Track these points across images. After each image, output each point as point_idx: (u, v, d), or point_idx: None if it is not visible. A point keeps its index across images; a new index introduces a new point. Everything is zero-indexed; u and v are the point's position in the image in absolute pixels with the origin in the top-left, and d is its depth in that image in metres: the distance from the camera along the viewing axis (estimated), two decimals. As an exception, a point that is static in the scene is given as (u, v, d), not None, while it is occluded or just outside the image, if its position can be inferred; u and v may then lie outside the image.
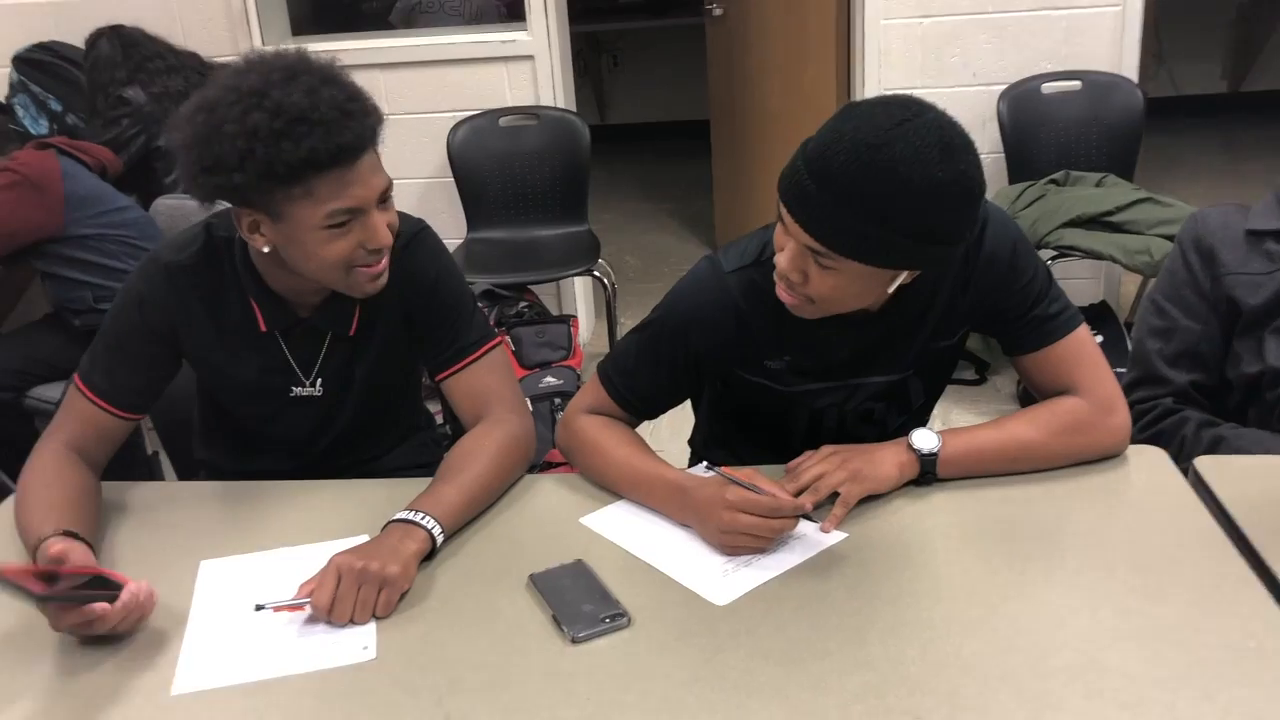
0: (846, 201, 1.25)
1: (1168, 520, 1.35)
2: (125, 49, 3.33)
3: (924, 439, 1.45)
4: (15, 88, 3.59)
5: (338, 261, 1.40)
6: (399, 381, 1.70)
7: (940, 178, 1.24)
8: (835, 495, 1.39)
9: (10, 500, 1.54)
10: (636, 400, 1.58)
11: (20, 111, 3.57)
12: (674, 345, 1.54)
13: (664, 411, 1.64)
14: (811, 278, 1.34)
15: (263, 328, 1.55)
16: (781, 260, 1.36)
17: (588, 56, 6.44)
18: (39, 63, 3.59)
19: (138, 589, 1.25)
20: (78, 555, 1.29)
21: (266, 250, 1.42)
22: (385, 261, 1.45)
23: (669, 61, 6.42)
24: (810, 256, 1.32)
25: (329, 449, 1.67)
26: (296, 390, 1.61)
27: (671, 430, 1.59)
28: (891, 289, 1.37)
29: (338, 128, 1.32)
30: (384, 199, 1.42)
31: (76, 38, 3.55)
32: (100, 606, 1.21)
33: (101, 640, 1.26)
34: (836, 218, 1.27)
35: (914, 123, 1.24)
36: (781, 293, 1.40)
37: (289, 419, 1.63)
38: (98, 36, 3.38)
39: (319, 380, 1.60)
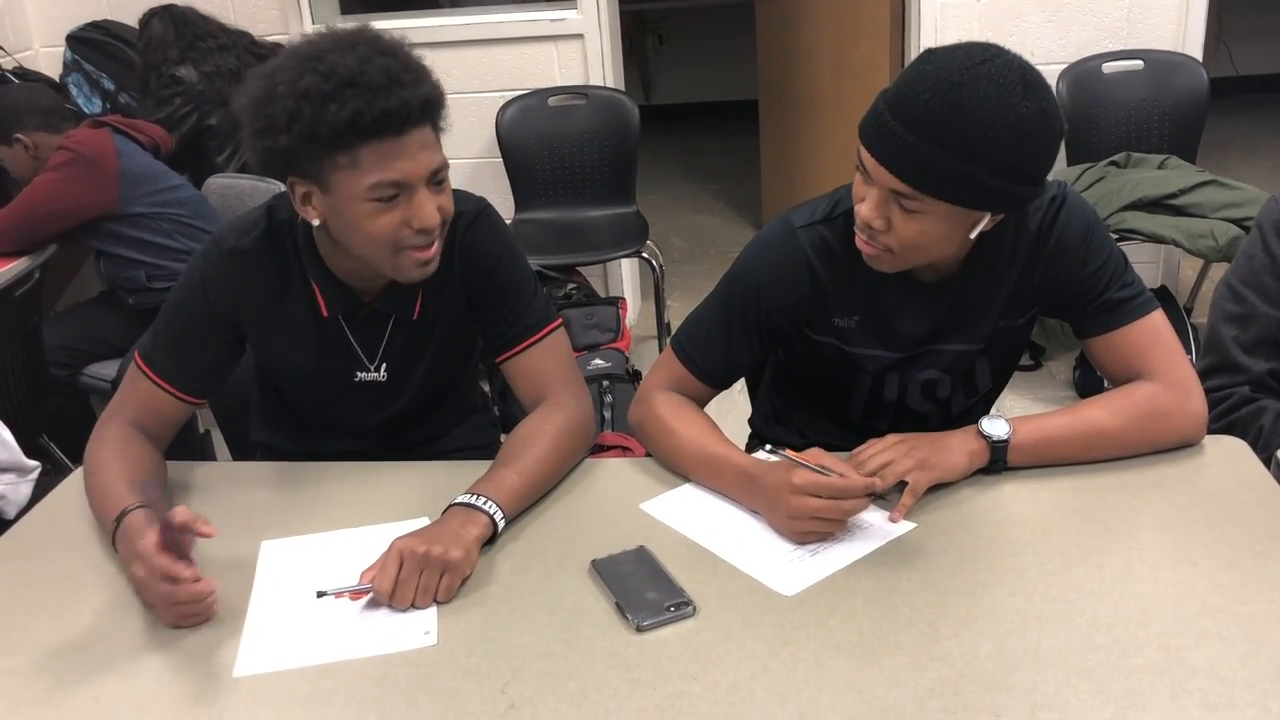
0: (932, 138, 1.25)
1: (1251, 513, 1.31)
2: (178, 28, 3.34)
3: (994, 425, 1.41)
4: (69, 66, 3.62)
5: (382, 239, 1.38)
6: (461, 361, 1.69)
7: (1024, 112, 1.24)
8: (902, 485, 1.36)
9: (73, 477, 1.54)
10: (710, 368, 1.57)
11: (74, 90, 3.59)
12: (746, 305, 1.53)
13: (737, 379, 1.63)
14: (895, 224, 1.33)
15: (325, 313, 1.53)
16: (864, 209, 1.35)
17: (633, 35, 6.39)
18: (93, 42, 3.61)
19: (210, 585, 1.25)
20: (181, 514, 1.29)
21: (317, 222, 1.41)
22: (436, 247, 1.42)
23: (715, 41, 6.37)
24: (894, 201, 1.31)
25: (389, 431, 1.66)
26: (360, 375, 1.59)
27: (719, 415, 1.57)
28: (974, 234, 1.36)
29: (384, 93, 1.30)
30: (436, 180, 1.39)
31: (130, 17, 3.58)
32: (186, 571, 1.22)
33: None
34: (923, 156, 1.26)
35: (994, 62, 1.25)
36: (861, 244, 1.39)
37: (351, 404, 1.62)
38: (151, 16, 3.40)
39: (383, 365, 1.59)
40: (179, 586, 1.22)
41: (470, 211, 1.54)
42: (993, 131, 1.24)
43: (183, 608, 1.24)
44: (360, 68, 1.30)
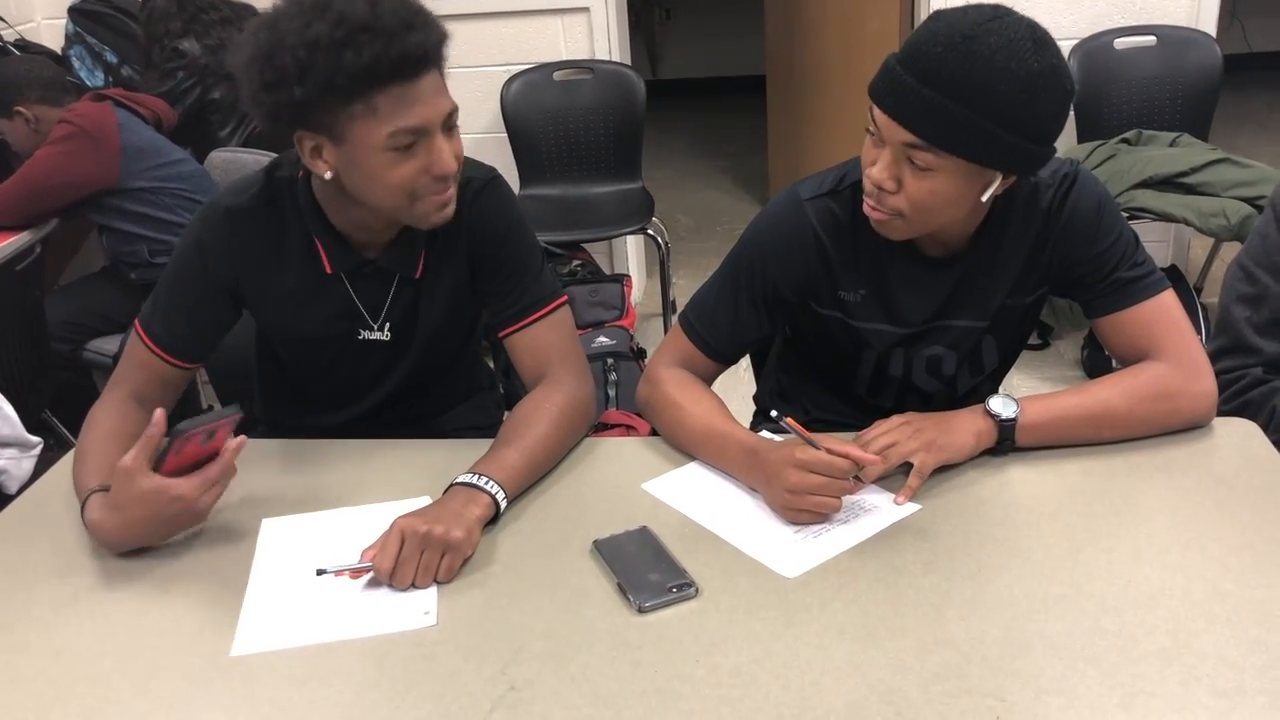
0: (945, 90, 1.25)
1: (1261, 497, 1.29)
2: (180, 1, 3.31)
3: (1002, 404, 1.40)
4: (71, 39, 3.59)
5: (401, 187, 1.35)
6: (463, 330, 1.67)
7: (1035, 67, 1.24)
8: (908, 466, 1.35)
9: (74, 452, 1.54)
10: (717, 342, 1.56)
11: (76, 63, 3.57)
12: (753, 277, 1.52)
13: (743, 354, 1.63)
14: (906, 184, 1.32)
15: (328, 269, 1.51)
16: (875, 170, 1.33)
17: (639, 10, 6.33)
18: (95, 14, 3.58)
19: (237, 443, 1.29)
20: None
21: (329, 176, 1.38)
22: (452, 191, 1.40)
23: (722, 15, 6.32)
24: (905, 160, 1.31)
25: (389, 402, 1.65)
26: (364, 334, 1.57)
27: (722, 393, 1.56)
28: (985, 197, 1.34)
29: (400, 37, 1.28)
30: (449, 124, 1.37)
31: (131, -11, 3.54)
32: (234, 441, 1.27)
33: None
34: (936, 108, 1.25)
35: (1004, 19, 1.26)
36: (869, 209, 1.38)
37: (354, 364, 1.60)
38: (153, -12, 3.36)
39: (386, 325, 1.57)
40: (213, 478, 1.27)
41: (480, 179, 1.52)
42: (1005, 84, 1.23)
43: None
44: (372, 11, 1.27)
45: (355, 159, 1.34)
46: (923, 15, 3.43)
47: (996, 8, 1.28)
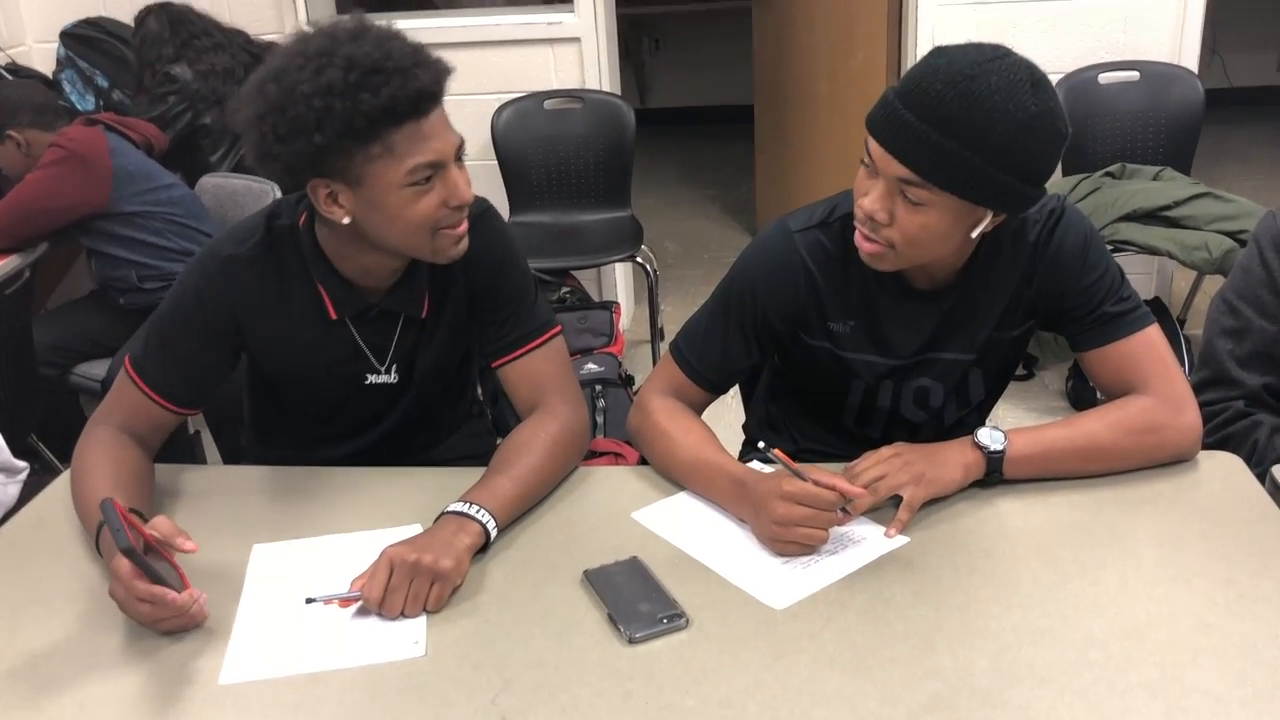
0: (942, 128, 1.26)
1: (1246, 530, 1.31)
2: (173, 26, 3.32)
3: (990, 437, 1.41)
4: (63, 63, 3.60)
5: (423, 223, 1.36)
6: (462, 362, 1.67)
7: (1032, 110, 1.26)
8: (897, 498, 1.36)
9: (62, 478, 1.53)
10: (707, 371, 1.57)
11: (67, 87, 3.58)
12: (743, 308, 1.53)
13: (733, 384, 1.64)
14: (898, 217, 1.33)
15: (333, 315, 1.51)
16: (867, 201, 1.35)
17: (629, 39, 6.38)
18: (87, 38, 3.59)
19: (197, 596, 1.22)
20: (162, 525, 1.26)
21: (347, 221, 1.38)
22: (466, 223, 1.42)
23: (711, 45, 6.36)
24: (899, 194, 1.32)
25: (384, 437, 1.65)
26: (371, 378, 1.57)
27: (711, 421, 1.57)
28: (975, 234, 1.36)
29: (413, 75, 1.30)
30: (458, 155, 1.39)
31: (124, 14, 3.56)
32: (169, 592, 1.19)
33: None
34: (932, 144, 1.27)
35: (1005, 60, 1.27)
36: (861, 240, 1.39)
37: (359, 406, 1.60)
38: (146, 13, 3.38)
39: (393, 367, 1.57)
40: (158, 607, 1.20)
41: (473, 211, 1.53)
42: (1002, 125, 1.25)
43: (166, 622, 1.22)
44: (382, 52, 1.29)
45: (374, 200, 1.35)
46: (910, 47, 3.47)
47: (997, 48, 1.29)
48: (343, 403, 1.60)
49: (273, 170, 1.35)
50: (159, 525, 1.24)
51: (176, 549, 1.23)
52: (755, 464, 1.47)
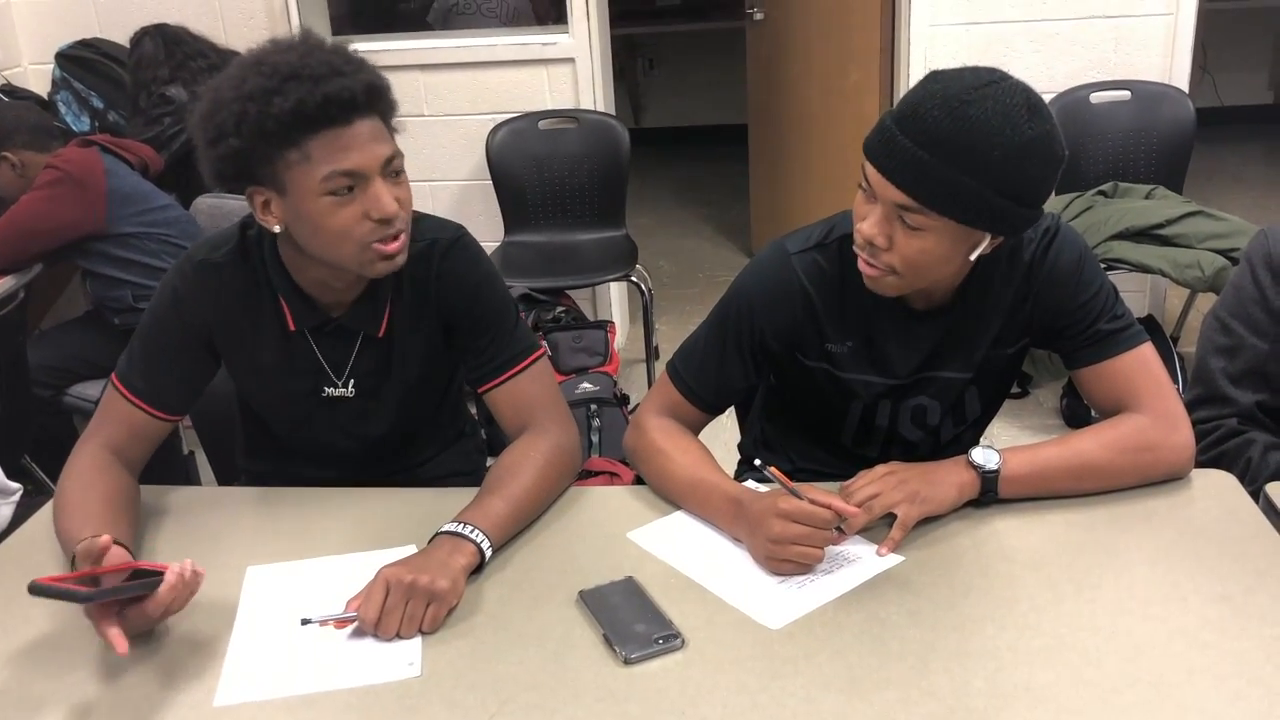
0: (939, 154, 1.26)
1: (1241, 549, 1.31)
2: (168, 47, 3.33)
3: (985, 456, 1.41)
4: (58, 84, 3.61)
5: (343, 233, 1.37)
6: (439, 386, 1.67)
7: (1029, 134, 1.26)
8: (891, 517, 1.36)
9: (52, 501, 1.52)
10: (704, 391, 1.57)
11: (63, 108, 3.58)
12: (740, 328, 1.53)
13: (730, 404, 1.64)
14: (897, 242, 1.34)
15: (291, 327, 1.53)
16: (866, 226, 1.35)
17: (623, 59, 6.40)
18: (82, 60, 3.60)
19: (182, 568, 1.22)
20: (114, 557, 1.27)
21: (278, 229, 1.41)
22: (402, 241, 1.41)
23: (705, 65, 6.39)
24: (897, 219, 1.32)
25: (370, 455, 1.65)
26: (329, 391, 1.58)
27: (707, 441, 1.57)
28: (973, 257, 1.37)
29: (325, 81, 1.32)
30: (391, 169, 1.39)
31: (120, 35, 3.57)
32: (146, 606, 1.19)
33: (145, 645, 1.24)
34: (929, 170, 1.27)
35: (1001, 84, 1.28)
36: (863, 264, 1.39)
37: (323, 421, 1.61)
38: (142, 35, 3.38)
39: (350, 382, 1.57)
40: (148, 615, 1.21)
41: (446, 239, 1.54)
42: (999, 150, 1.25)
43: (160, 613, 1.23)
44: (301, 61, 1.33)
45: (298, 209, 1.37)
46: (902, 70, 3.49)
47: (993, 72, 1.30)
48: (307, 415, 1.60)
49: (209, 175, 1.39)
50: (81, 554, 1.24)
51: (101, 554, 1.22)
52: (751, 483, 1.47)
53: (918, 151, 1.27)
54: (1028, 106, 1.27)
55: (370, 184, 1.36)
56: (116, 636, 1.16)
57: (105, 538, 1.24)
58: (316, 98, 1.31)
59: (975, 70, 1.30)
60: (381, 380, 1.58)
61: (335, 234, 1.37)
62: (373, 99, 1.37)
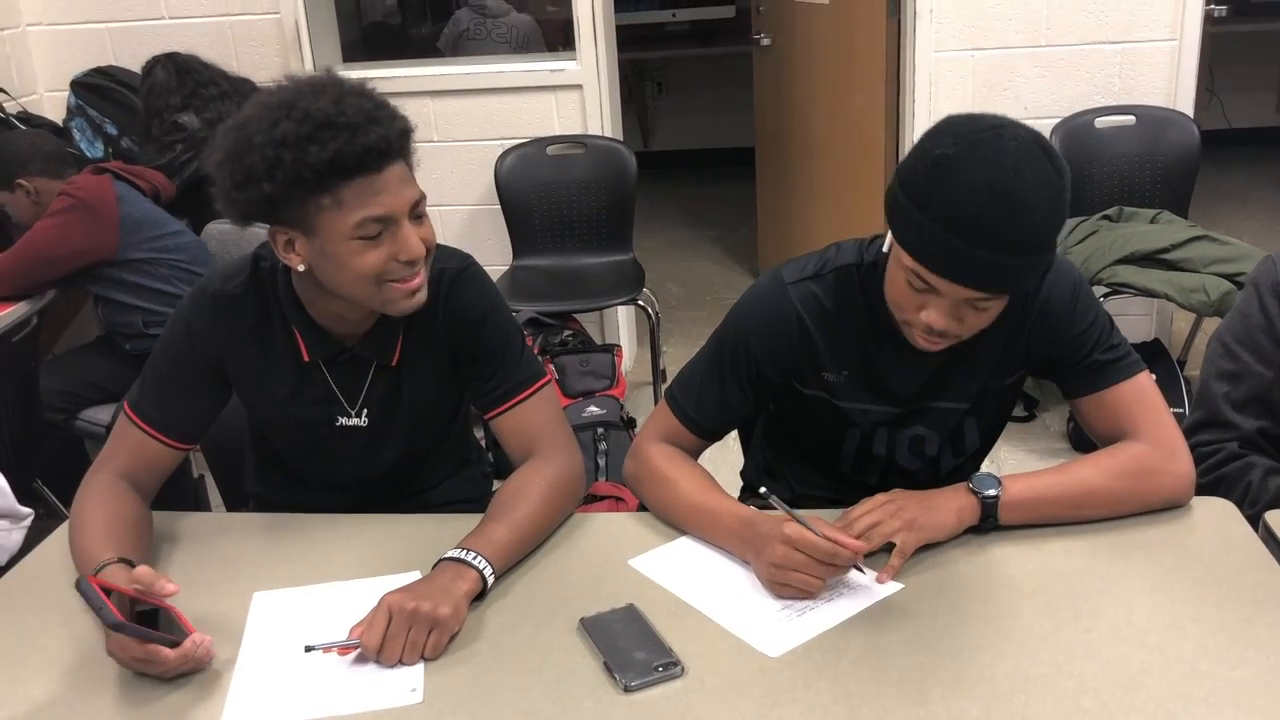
0: (1007, 249, 1.28)
1: (1239, 576, 1.31)
2: (180, 75, 3.38)
3: (985, 483, 1.42)
4: (73, 111, 3.65)
5: (370, 274, 1.39)
6: (447, 413, 1.69)
7: (1061, 186, 1.29)
8: (892, 543, 1.37)
9: (66, 525, 1.54)
10: (702, 419, 1.58)
11: (77, 135, 3.63)
12: (736, 356, 1.54)
13: (728, 431, 1.65)
14: (966, 320, 1.37)
15: (305, 357, 1.55)
16: (934, 320, 1.36)
17: (632, 83, 6.46)
18: (96, 87, 3.65)
19: (199, 641, 1.24)
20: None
21: (302, 268, 1.42)
22: (422, 278, 1.43)
23: (714, 89, 6.43)
24: (965, 304, 1.34)
25: (378, 482, 1.66)
26: (342, 420, 1.60)
27: (712, 465, 1.58)
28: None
29: (363, 131, 1.33)
30: (416, 212, 1.41)
31: (133, 63, 3.62)
32: (164, 651, 1.21)
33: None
34: (1003, 267, 1.29)
35: (1019, 143, 1.28)
36: (922, 343, 1.41)
37: (335, 450, 1.62)
38: (154, 63, 3.43)
39: (364, 411, 1.59)
40: (147, 660, 1.22)
41: (454, 268, 1.56)
42: (1055, 219, 1.30)
43: (170, 671, 1.24)
44: (336, 109, 1.33)
45: (325, 250, 1.38)
46: (908, 94, 3.50)
47: (999, 129, 1.28)
48: (320, 444, 1.62)
49: (232, 214, 1.40)
50: (140, 577, 1.26)
51: (159, 593, 1.25)
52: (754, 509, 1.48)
53: (986, 255, 1.28)
54: (1048, 157, 1.28)
55: (399, 227, 1.38)
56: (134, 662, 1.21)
57: (166, 583, 1.26)
58: (355, 148, 1.32)
59: (995, 143, 1.27)
60: (394, 409, 1.60)
61: (361, 275, 1.39)
62: (403, 144, 1.39)
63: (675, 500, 1.50)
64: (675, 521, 1.50)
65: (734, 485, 1.82)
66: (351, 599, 1.35)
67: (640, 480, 1.57)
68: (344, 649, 1.26)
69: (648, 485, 1.55)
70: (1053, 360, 1.50)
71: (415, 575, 1.38)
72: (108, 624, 1.19)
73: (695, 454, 1.61)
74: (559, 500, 1.50)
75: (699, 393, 1.58)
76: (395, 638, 1.24)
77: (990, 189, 1.26)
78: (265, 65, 3.71)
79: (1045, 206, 1.27)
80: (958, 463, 1.63)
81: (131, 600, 1.26)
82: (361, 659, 1.25)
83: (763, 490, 1.38)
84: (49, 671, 1.28)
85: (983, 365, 1.52)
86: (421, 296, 1.45)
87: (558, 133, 3.68)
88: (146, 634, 1.21)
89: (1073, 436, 3.30)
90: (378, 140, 1.33)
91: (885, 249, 1.44)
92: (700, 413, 1.58)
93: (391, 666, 1.24)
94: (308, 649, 1.25)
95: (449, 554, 1.36)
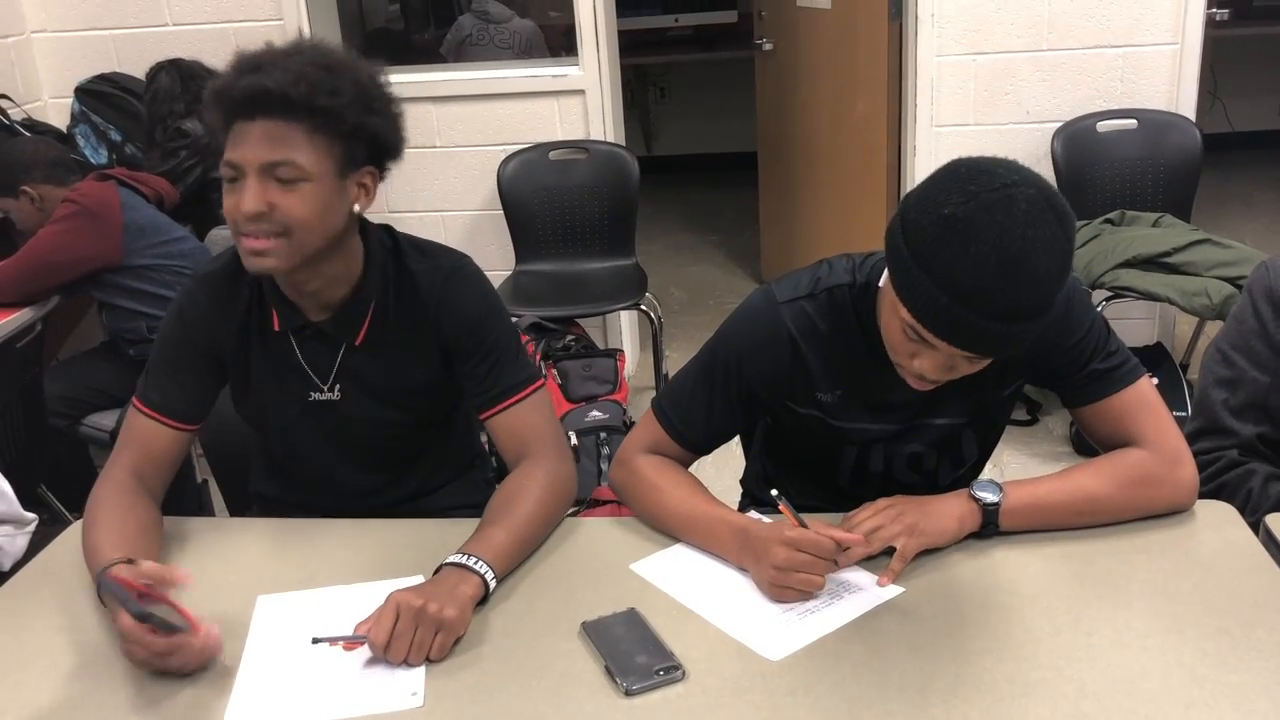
0: (1024, 318, 1.24)
1: (1239, 580, 1.31)
2: (184, 82, 3.39)
3: (986, 489, 1.42)
4: (77, 118, 3.66)
5: (228, 219, 1.43)
6: (435, 411, 1.68)
7: (1067, 247, 1.25)
8: (893, 547, 1.37)
9: (71, 529, 1.55)
10: (690, 433, 1.57)
11: (81, 141, 3.64)
12: (727, 375, 1.53)
13: (717, 446, 1.63)
14: (958, 370, 1.34)
15: (276, 327, 1.58)
16: (928, 369, 1.33)
17: (635, 88, 6.47)
18: (100, 94, 3.66)
19: (210, 631, 1.26)
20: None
21: None
22: (262, 243, 1.41)
23: (716, 94, 6.44)
24: (961, 357, 1.31)
25: (366, 475, 1.67)
26: (314, 395, 1.62)
27: (716, 469, 1.58)
28: None
29: (267, 74, 1.38)
30: (279, 176, 1.39)
31: (137, 70, 3.63)
32: (189, 639, 1.23)
33: (155, 672, 1.26)
34: (1010, 333, 1.25)
35: (1033, 210, 1.21)
36: (914, 384, 1.39)
37: (309, 427, 1.63)
38: (158, 69, 3.45)
39: (336, 386, 1.61)
40: (170, 653, 1.23)
41: (447, 267, 1.57)
42: (1060, 283, 1.25)
43: (186, 665, 1.25)
44: (274, 55, 1.41)
45: None
46: (909, 99, 3.51)
47: (1008, 187, 1.22)
48: (295, 421, 1.63)
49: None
50: (149, 572, 1.28)
51: (171, 584, 1.28)
52: (754, 514, 1.49)
53: (990, 325, 1.24)
54: (1054, 213, 1.23)
55: (244, 181, 1.40)
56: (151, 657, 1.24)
57: (181, 573, 1.31)
58: (246, 89, 1.38)
59: (1004, 205, 1.21)
60: (364, 388, 1.61)
61: (226, 215, 1.44)
62: (290, 106, 1.38)
63: (667, 509, 1.50)
64: (667, 530, 1.50)
65: (734, 492, 1.82)
66: (355, 602, 1.35)
67: (628, 489, 1.57)
68: (350, 643, 1.27)
69: (635, 494, 1.55)
70: (1051, 370, 1.49)
71: (418, 579, 1.39)
72: (134, 615, 1.21)
73: (682, 465, 1.60)
74: (555, 502, 1.51)
75: (688, 407, 1.56)
76: (402, 635, 1.25)
77: (999, 259, 1.20)
78: (269, 71, 3.72)
79: (1053, 276, 1.23)
80: (957, 475, 1.62)
81: (137, 596, 1.27)
82: (364, 659, 1.26)
83: (774, 493, 1.38)
84: (54, 675, 1.29)
85: (980, 379, 1.47)
86: (266, 262, 1.43)
87: (560, 138, 3.69)
88: (166, 624, 1.23)
89: (1075, 440, 3.29)
90: (265, 90, 1.37)
91: (881, 285, 1.41)
92: (688, 427, 1.57)
93: (396, 665, 1.25)
94: (314, 641, 1.26)
95: (451, 559, 1.36)
